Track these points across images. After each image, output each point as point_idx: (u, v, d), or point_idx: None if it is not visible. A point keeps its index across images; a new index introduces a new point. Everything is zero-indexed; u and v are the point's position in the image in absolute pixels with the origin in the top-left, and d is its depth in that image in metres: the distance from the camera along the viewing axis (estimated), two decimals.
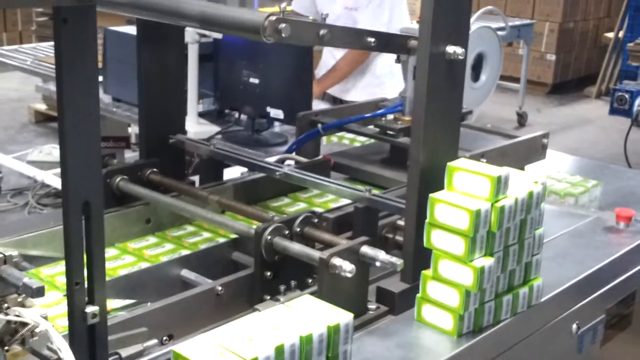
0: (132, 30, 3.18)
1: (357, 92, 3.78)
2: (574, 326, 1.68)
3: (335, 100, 3.88)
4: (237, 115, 3.52)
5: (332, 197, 1.94)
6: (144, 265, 1.55)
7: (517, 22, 6.98)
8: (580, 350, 1.73)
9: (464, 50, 1.43)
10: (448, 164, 1.41)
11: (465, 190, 1.40)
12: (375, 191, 1.68)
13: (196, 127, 3.36)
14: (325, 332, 1.12)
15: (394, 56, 1.83)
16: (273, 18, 1.31)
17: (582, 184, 2.18)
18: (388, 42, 1.58)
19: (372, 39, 1.49)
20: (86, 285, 1.07)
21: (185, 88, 3.18)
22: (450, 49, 1.42)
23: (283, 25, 1.30)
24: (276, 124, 3.41)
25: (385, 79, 3.77)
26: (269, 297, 1.43)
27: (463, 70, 1.48)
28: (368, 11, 3.59)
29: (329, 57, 3.86)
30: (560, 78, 8.25)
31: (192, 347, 1.06)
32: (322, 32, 1.40)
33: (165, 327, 1.31)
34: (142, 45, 1.84)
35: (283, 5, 1.35)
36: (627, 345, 1.95)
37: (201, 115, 3.51)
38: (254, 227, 1.46)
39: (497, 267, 1.42)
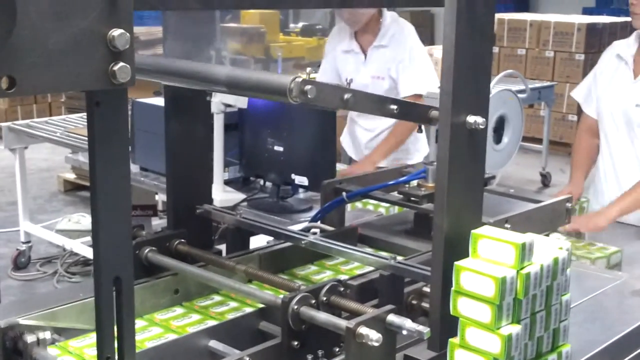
0: (159, 101, 3.26)
1: (387, 158, 3.80)
2: None
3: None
4: (262, 182, 3.57)
5: (358, 264, 1.95)
6: (171, 336, 1.56)
7: (538, 85, 7.04)
8: None
9: (484, 119, 1.46)
10: (472, 231, 1.42)
11: (490, 258, 1.40)
12: (400, 258, 1.69)
13: (222, 195, 3.40)
14: None
15: None
16: (299, 80, 1.35)
17: (601, 250, 2.18)
18: (409, 111, 1.61)
19: (395, 107, 1.53)
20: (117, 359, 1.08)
21: (211, 157, 3.24)
22: (471, 118, 1.45)
23: (309, 87, 1.34)
24: (301, 190, 3.45)
25: (409, 145, 3.81)
26: None
27: (484, 138, 1.50)
28: (403, 78, 3.63)
29: (357, 126, 3.89)
30: None
31: None
32: (346, 96, 1.43)
33: None
34: (170, 115, 1.89)
35: (308, 69, 1.39)
36: None
37: (227, 183, 3.56)
38: (281, 296, 1.48)
39: (524, 334, 1.41)
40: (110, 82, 0.99)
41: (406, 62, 3.61)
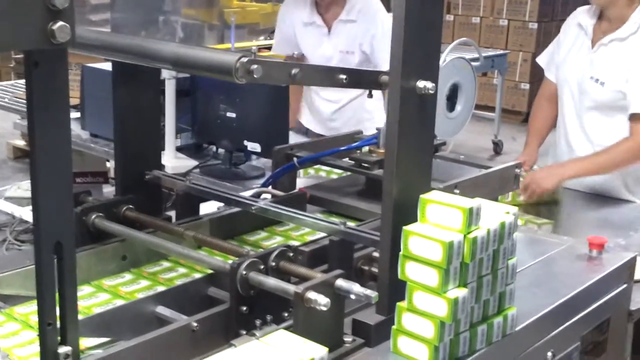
0: (109, 66, 3.19)
1: (350, 128, 3.79)
2: (549, 354, 1.69)
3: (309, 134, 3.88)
4: (214, 149, 3.54)
5: (308, 230, 1.95)
6: (119, 302, 1.55)
7: (491, 53, 7.09)
8: None
9: (434, 84, 1.46)
10: (420, 196, 1.43)
11: (438, 222, 1.41)
12: (351, 224, 1.69)
13: (174, 162, 3.37)
14: None
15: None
16: (245, 59, 1.33)
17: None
18: (360, 79, 1.60)
19: (344, 76, 1.52)
20: (59, 326, 1.07)
21: (162, 124, 3.20)
22: (421, 83, 1.45)
23: (255, 66, 1.33)
24: (254, 157, 3.43)
25: (375, 114, 3.77)
26: (245, 332, 1.43)
27: (434, 104, 1.51)
28: (380, 52, 3.58)
29: (316, 97, 3.86)
30: None
31: None
32: (293, 71, 1.42)
33: None
34: (118, 82, 1.85)
35: (254, 48, 1.38)
36: None
37: (179, 149, 3.52)
38: (230, 262, 1.47)
39: (471, 297, 1.43)
40: (49, 41, 0.96)
41: (379, 36, 3.56)
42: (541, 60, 3.27)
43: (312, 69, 1.50)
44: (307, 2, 3.71)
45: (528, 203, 2.71)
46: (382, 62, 3.55)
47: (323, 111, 3.87)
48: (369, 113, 3.77)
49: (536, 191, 2.69)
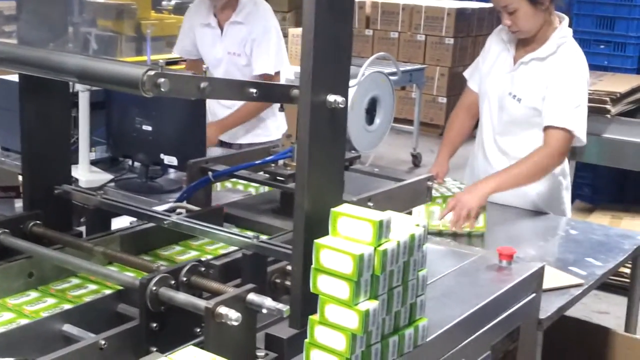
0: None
1: (244, 135, 3.90)
2: None
3: (223, 144, 3.91)
4: (130, 162, 3.48)
5: (223, 244, 1.94)
6: (24, 322, 1.50)
7: (409, 67, 7.21)
8: None
9: (344, 99, 1.48)
10: (332, 209, 1.44)
11: (349, 235, 1.43)
12: (264, 237, 1.69)
13: (88, 176, 3.29)
14: None
15: None
16: (152, 73, 1.32)
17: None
18: (270, 92, 1.60)
19: (254, 90, 1.52)
20: None
21: (73, 137, 3.13)
22: (332, 97, 1.46)
23: (162, 80, 1.31)
24: (171, 170, 3.39)
25: (268, 121, 3.90)
26: (155, 349, 1.41)
27: (344, 117, 1.52)
28: (255, 56, 3.70)
29: (215, 104, 3.89)
30: None
31: None
32: (202, 85, 1.41)
33: None
34: (24, 94, 1.81)
35: (161, 61, 1.36)
36: None
37: (94, 163, 3.44)
38: (140, 278, 1.44)
39: (382, 309, 1.44)
40: None
41: (259, 40, 3.70)
42: (467, 72, 3.33)
43: (222, 83, 1.50)
44: (207, 4, 3.80)
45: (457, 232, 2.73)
46: (256, 67, 3.71)
47: (220, 116, 3.91)
48: (263, 122, 3.90)
49: (462, 213, 2.69)
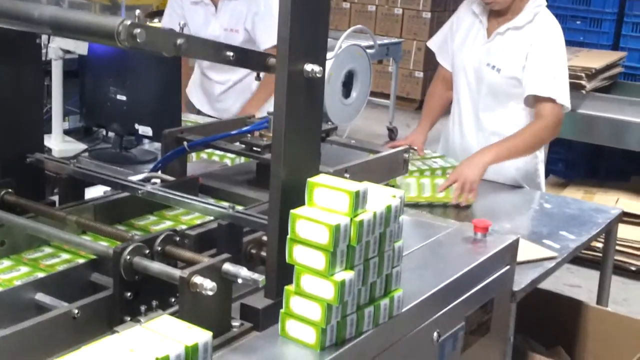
0: None
1: (238, 109, 3.81)
2: (435, 334, 1.73)
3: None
4: (104, 132, 3.44)
5: (199, 214, 1.92)
6: None
7: (386, 41, 7.18)
8: (442, 358, 1.78)
9: (322, 68, 1.46)
10: (308, 180, 1.43)
11: (326, 206, 1.42)
12: (239, 207, 1.68)
13: (62, 146, 3.25)
14: (183, 353, 1.11)
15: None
16: (128, 22, 1.29)
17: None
18: (247, 58, 1.58)
19: (231, 53, 1.50)
20: None
21: (46, 106, 3.08)
22: (309, 67, 1.45)
23: (138, 30, 1.28)
24: (146, 141, 3.35)
25: (250, 95, 3.81)
26: (129, 319, 1.40)
27: (321, 87, 1.51)
28: (261, 30, 3.60)
29: (207, 81, 3.84)
30: None
31: None
32: (179, 41, 1.39)
33: (19, 355, 1.26)
34: None
35: (137, 11, 1.34)
36: (486, 351, 2.03)
37: (67, 133, 3.40)
38: (114, 247, 1.43)
39: (357, 280, 1.44)
40: None
41: (261, 14, 3.59)
42: (432, 44, 3.32)
43: (199, 42, 1.47)
44: None
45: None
46: (262, 40, 3.61)
47: (211, 92, 3.87)
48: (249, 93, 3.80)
49: (466, 187, 2.73)
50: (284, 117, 1.44)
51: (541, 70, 2.90)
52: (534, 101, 2.96)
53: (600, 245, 3.22)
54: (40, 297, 1.41)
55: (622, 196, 4.86)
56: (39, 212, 1.71)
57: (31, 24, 1.43)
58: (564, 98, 2.92)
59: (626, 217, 3.71)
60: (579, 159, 5.69)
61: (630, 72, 5.63)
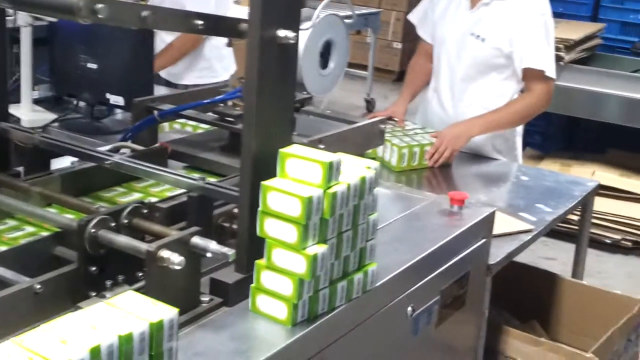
0: None
1: (189, 75, 3.76)
2: (409, 309, 1.71)
3: (169, 84, 3.80)
4: (75, 102, 3.36)
5: (169, 186, 1.87)
6: None
7: (364, 11, 7.10)
8: (416, 332, 1.76)
9: (295, 34, 1.41)
10: (280, 150, 1.39)
11: (298, 177, 1.38)
12: (211, 179, 1.63)
13: (31, 115, 3.16)
14: (147, 330, 1.06)
15: (223, 39, 1.78)
16: None
17: None
18: (217, 25, 1.53)
19: (200, 22, 1.44)
20: None
21: (15, 74, 3.00)
22: (282, 32, 1.40)
23: (100, 5, 1.23)
24: (118, 110, 3.28)
25: (214, 62, 3.75)
26: (95, 294, 1.35)
27: (295, 55, 1.46)
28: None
29: (158, 41, 3.76)
30: (406, 66, 8.47)
31: None
32: (144, 13, 1.33)
33: None
34: None
35: None
36: (461, 325, 2.01)
37: (37, 102, 3.31)
38: (79, 219, 1.38)
39: (331, 254, 1.41)
40: None
41: None
42: (413, 17, 3.28)
43: (166, 12, 1.42)
44: None
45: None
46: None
47: None
48: (208, 61, 3.76)
49: (446, 153, 2.76)
50: (255, 85, 1.39)
51: (534, 43, 2.88)
52: (522, 73, 2.93)
53: (576, 217, 3.20)
54: (1, 271, 1.36)
55: (598, 169, 4.87)
56: (2, 183, 1.66)
57: None
58: (553, 70, 2.91)
59: (602, 190, 3.70)
60: (556, 131, 5.68)
61: (608, 43, 5.60)
